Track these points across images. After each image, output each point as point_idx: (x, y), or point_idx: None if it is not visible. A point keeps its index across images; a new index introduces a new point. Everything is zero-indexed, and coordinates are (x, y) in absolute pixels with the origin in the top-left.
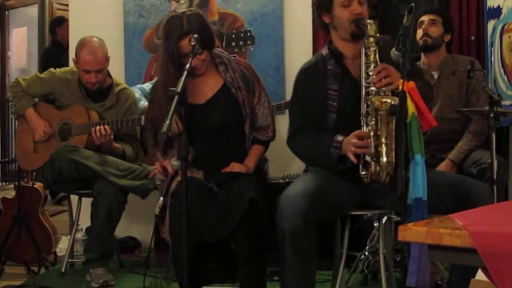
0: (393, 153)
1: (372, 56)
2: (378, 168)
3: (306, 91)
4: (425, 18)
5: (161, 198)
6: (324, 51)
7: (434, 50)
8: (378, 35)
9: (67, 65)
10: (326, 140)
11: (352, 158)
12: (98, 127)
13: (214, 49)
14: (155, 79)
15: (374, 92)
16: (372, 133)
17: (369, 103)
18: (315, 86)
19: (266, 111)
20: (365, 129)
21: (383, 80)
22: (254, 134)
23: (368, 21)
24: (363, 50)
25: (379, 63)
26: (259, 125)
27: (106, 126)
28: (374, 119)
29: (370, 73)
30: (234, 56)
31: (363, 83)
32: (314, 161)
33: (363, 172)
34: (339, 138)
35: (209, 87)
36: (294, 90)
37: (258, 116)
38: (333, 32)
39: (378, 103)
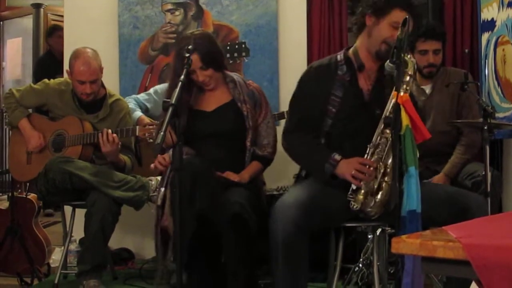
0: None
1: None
2: (372, 203)
3: (310, 89)
4: (428, 47)
5: (162, 189)
6: (340, 55)
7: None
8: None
9: (59, 74)
10: (322, 153)
11: (354, 182)
12: (106, 131)
13: (227, 71)
14: (151, 89)
15: None
16: (375, 165)
17: (383, 135)
18: (320, 88)
19: (269, 130)
20: (369, 157)
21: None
22: (254, 148)
23: (412, 59)
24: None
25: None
26: (261, 142)
27: (114, 135)
28: (383, 152)
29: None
30: (248, 80)
31: (385, 113)
32: (305, 167)
33: (352, 197)
34: (337, 157)
35: (217, 98)
36: (299, 86)
37: (261, 134)
38: (364, 36)
39: None
